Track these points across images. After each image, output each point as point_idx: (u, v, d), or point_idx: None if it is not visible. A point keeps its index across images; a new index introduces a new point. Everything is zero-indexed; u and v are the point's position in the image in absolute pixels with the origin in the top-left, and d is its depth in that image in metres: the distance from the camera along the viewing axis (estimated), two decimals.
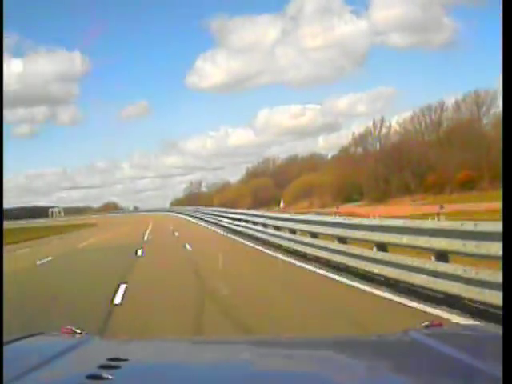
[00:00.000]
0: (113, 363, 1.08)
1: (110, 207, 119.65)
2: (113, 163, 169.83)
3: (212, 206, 50.29)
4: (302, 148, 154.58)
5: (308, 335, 3.53)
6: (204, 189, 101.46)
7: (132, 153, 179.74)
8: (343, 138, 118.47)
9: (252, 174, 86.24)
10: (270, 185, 75.88)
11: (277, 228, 14.62)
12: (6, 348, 1.18)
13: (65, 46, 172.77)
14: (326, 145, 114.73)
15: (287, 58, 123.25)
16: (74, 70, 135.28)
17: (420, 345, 1.40)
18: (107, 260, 15.23)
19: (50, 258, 16.28)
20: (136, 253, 15.54)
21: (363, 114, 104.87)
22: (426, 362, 1.26)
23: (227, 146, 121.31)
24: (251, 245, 16.04)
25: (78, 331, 1.51)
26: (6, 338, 1.30)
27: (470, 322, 4.83)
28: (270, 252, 13.52)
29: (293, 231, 12.94)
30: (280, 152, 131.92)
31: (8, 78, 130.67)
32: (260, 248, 14.71)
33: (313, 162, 77.48)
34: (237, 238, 19.36)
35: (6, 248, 21.50)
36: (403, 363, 1.28)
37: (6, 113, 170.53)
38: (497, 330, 1.37)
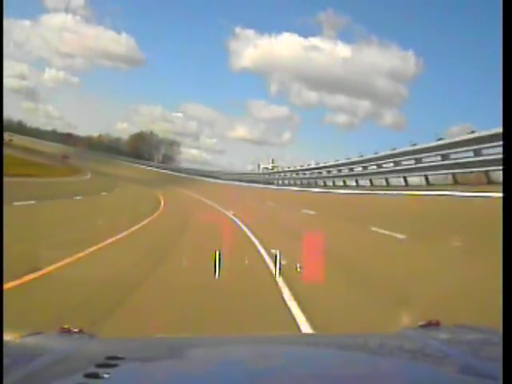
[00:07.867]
0: (110, 362, 1.08)
1: None
2: None
3: None
4: None
5: (305, 333, 3.53)
6: None
7: None
8: None
9: None
10: None
11: None
12: (4, 348, 1.18)
13: (399, 41, 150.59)
14: None
15: None
16: (405, 71, 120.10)
17: (417, 344, 1.40)
18: None
19: None
20: None
21: None
22: (422, 361, 1.26)
23: None
24: None
25: (76, 330, 1.50)
26: (4, 338, 1.30)
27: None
28: None
29: None
30: None
31: (333, 62, 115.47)
32: None
33: None
34: None
35: None
36: (399, 362, 1.28)
37: (325, 97, 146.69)
38: (495, 329, 1.37)
